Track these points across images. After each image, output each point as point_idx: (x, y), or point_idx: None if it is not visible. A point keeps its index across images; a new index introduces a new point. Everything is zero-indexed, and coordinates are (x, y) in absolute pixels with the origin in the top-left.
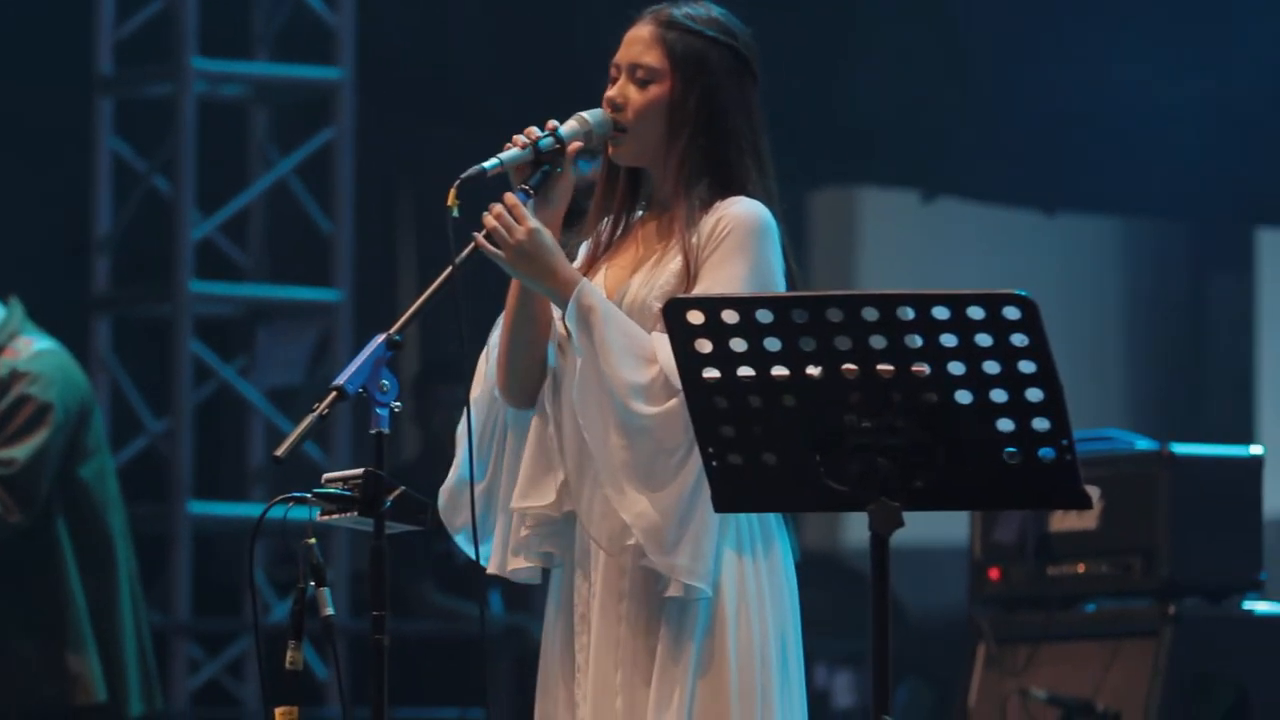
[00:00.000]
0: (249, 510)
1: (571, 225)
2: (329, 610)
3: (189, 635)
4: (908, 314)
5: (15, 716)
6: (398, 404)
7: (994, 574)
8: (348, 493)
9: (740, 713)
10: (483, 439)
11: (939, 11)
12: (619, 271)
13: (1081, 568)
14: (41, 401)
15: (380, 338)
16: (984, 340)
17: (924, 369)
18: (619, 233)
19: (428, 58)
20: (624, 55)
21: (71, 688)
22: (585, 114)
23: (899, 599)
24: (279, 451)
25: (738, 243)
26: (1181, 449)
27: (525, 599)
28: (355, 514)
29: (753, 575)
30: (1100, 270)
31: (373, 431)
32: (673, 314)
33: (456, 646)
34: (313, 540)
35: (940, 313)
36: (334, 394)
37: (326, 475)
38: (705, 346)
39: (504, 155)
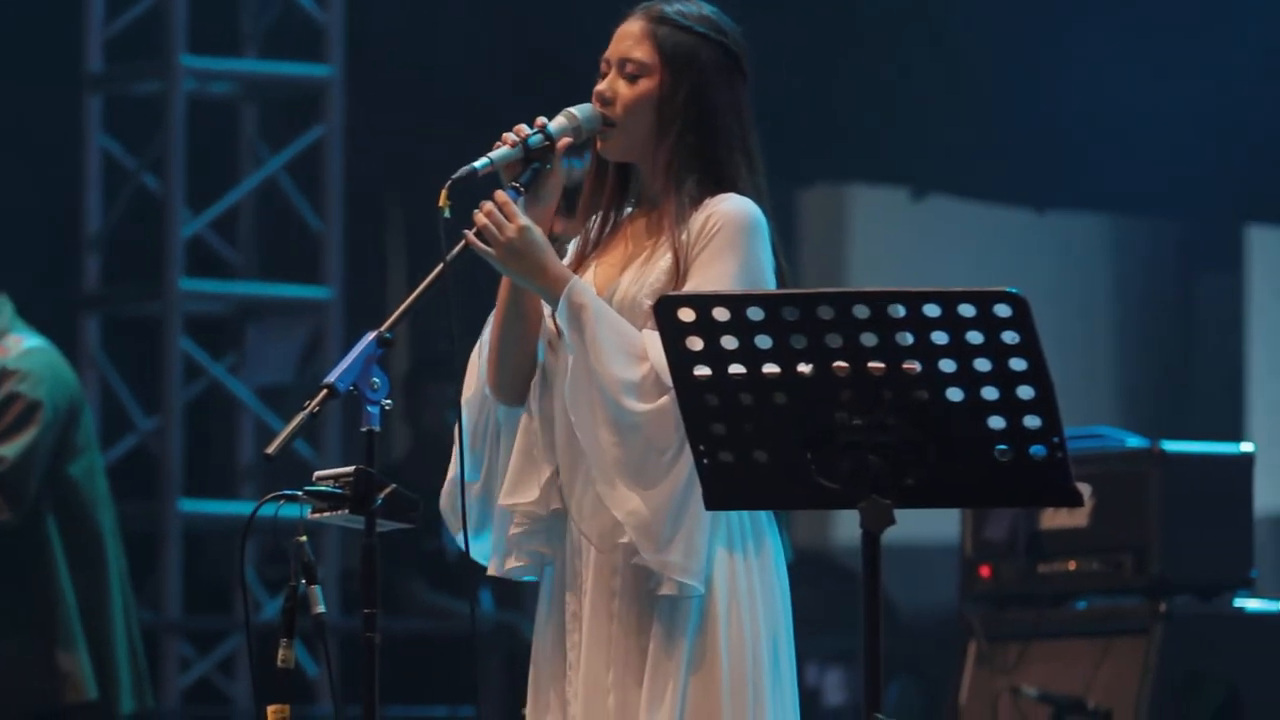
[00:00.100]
0: (239, 508)
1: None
2: (320, 608)
3: (180, 633)
4: (899, 311)
5: (5, 714)
6: (388, 402)
7: (985, 571)
8: (338, 490)
9: (732, 711)
10: (476, 438)
11: (929, 9)
12: (609, 269)
13: (1072, 565)
14: (31, 399)
15: (371, 335)
16: (975, 338)
17: (915, 366)
18: (608, 230)
19: (417, 55)
20: (614, 50)
21: (62, 686)
22: (574, 109)
23: (890, 597)
24: (270, 449)
25: (728, 240)
26: (1172, 446)
27: (515, 597)
28: (346, 512)
29: (744, 573)
30: (1091, 268)
31: (363, 429)
32: (664, 311)
33: (447, 644)
34: (303, 538)
35: (931, 310)
36: (325, 392)
37: (317, 473)
38: (696, 344)
39: (494, 154)
